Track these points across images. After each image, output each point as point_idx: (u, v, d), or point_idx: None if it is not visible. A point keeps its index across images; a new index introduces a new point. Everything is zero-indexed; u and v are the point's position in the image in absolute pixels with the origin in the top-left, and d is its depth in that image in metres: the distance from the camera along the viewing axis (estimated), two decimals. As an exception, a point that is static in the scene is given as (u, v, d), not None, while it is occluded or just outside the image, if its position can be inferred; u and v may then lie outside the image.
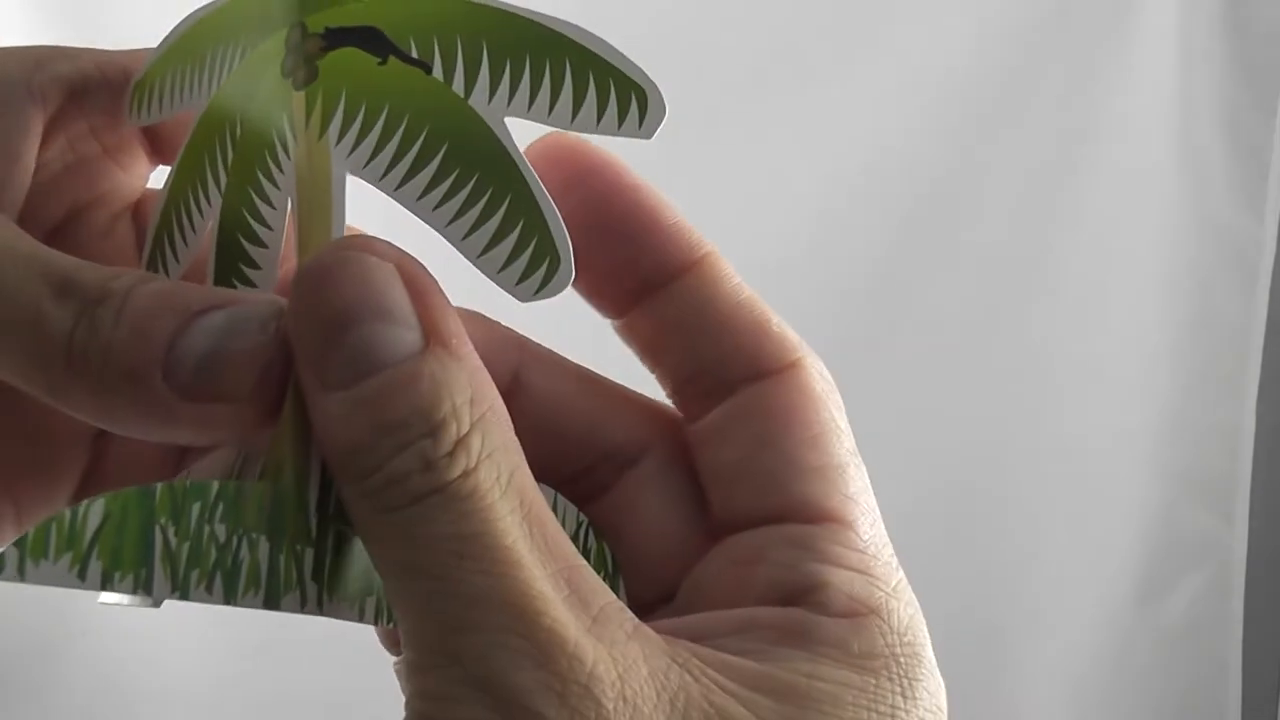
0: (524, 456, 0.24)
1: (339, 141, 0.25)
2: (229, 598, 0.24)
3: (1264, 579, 0.93)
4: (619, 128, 0.24)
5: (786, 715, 0.23)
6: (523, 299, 0.24)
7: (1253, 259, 0.90)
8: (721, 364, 0.26)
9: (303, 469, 0.25)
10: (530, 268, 0.24)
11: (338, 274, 0.23)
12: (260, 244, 0.26)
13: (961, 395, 0.89)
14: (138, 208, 0.30)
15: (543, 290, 0.24)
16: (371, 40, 0.25)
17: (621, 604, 0.23)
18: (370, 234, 0.24)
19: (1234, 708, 0.93)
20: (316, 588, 0.25)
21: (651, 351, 0.27)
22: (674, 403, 0.27)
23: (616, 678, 0.22)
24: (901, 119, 0.85)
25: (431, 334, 0.23)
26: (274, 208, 0.26)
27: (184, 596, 0.24)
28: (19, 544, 0.24)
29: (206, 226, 0.27)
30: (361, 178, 0.25)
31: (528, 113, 0.24)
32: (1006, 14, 0.85)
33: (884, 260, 0.87)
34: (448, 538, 0.22)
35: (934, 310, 0.88)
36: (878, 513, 0.26)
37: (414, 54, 0.25)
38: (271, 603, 0.24)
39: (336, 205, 0.25)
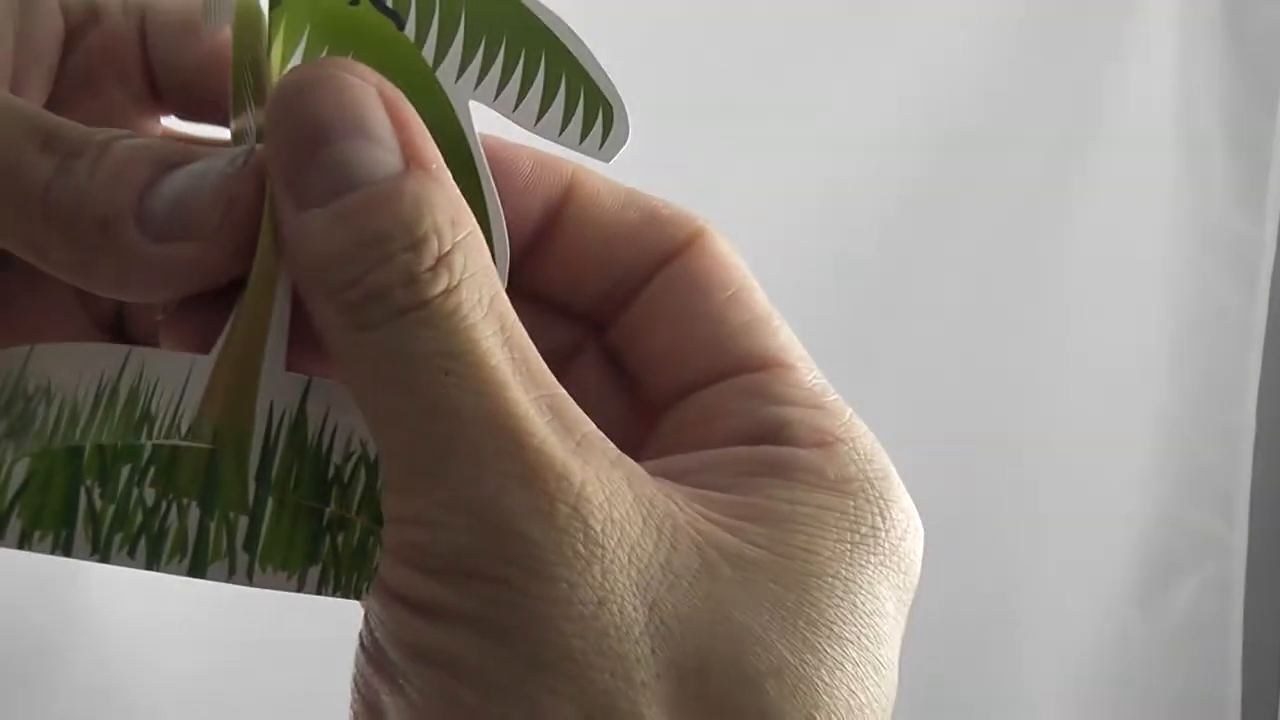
0: (501, 285, 0.23)
1: None
2: (151, 563, 0.24)
3: (1264, 579, 0.93)
4: (580, 143, 0.25)
5: (773, 538, 0.23)
6: None
7: (1253, 259, 0.90)
8: (627, 265, 0.27)
9: (245, 434, 0.24)
10: None
11: (317, 90, 0.23)
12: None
13: (961, 394, 0.89)
14: None
15: None
16: None
17: (602, 434, 0.23)
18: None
19: (1234, 708, 0.93)
20: (248, 557, 0.24)
21: (563, 291, 0.27)
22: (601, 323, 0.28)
23: (604, 499, 0.22)
24: (900, 118, 0.85)
25: (412, 156, 0.23)
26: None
27: (104, 559, 0.24)
28: None
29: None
30: None
31: (494, 101, 0.25)
32: (1005, 13, 0.85)
33: (882, 259, 0.87)
34: (434, 354, 0.22)
35: (933, 309, 0.88)
36: (809, 357, 0.26)
37: (389, 2, 0.24)
38: (197, 570, 0.24)
39: None
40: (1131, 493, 0.92)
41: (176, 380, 0.25)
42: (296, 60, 0.24)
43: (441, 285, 0.22)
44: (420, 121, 0.23)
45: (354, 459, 0.24)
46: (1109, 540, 0.92)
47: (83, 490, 0.24)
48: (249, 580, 0.24)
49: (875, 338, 0.87)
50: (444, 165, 0.23)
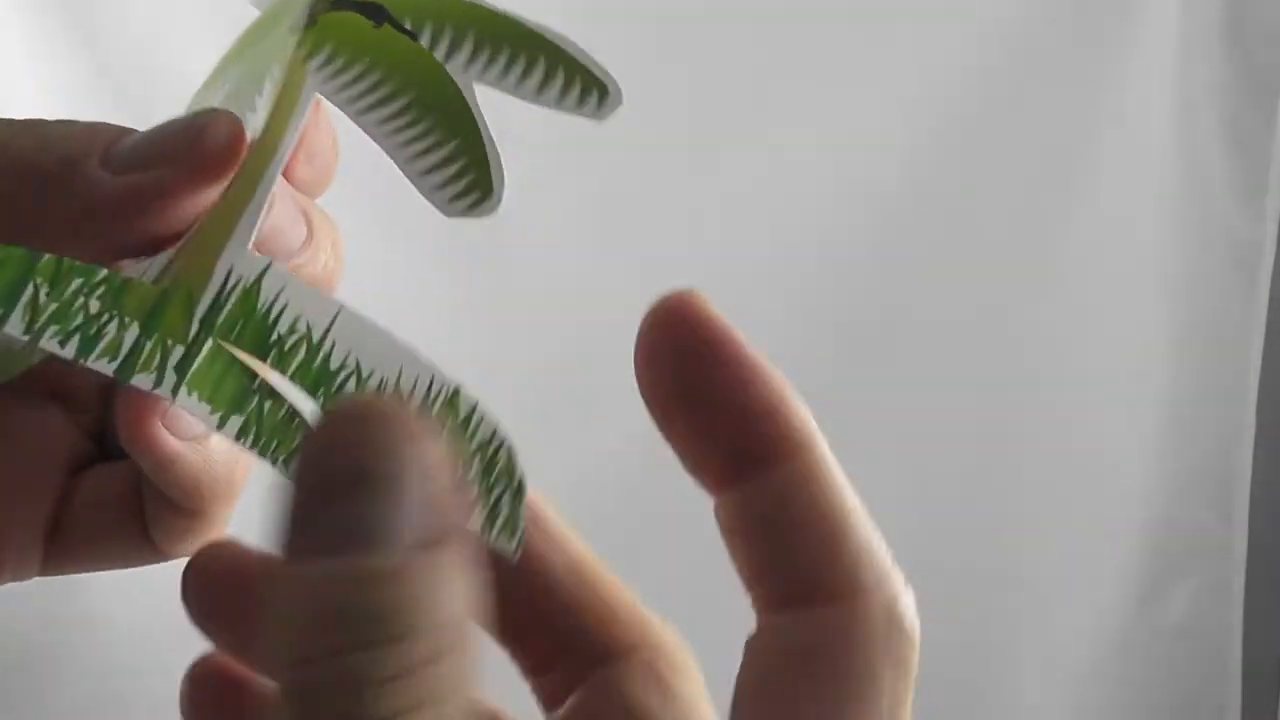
0: (481, 692, 0.20)
1: (320, 69, 0.27)
2: (80, 355, 0.25)
3: (1264, 579, 0.93)
4: (578, 108, 0.27)
5: None
6: (448, 214, 0.27)
7: (1253, 259, 0.90)
8: (794, 571, 0.24)
9: (199, 284, 0.26)
10: (464, 193, 0.27)
11: (359, 427, 0.20)
12: None
13: (961, 395, 0.89)
14: None
15: (470, 211, 0.27)
16: (373, 11, 0.27)
17: None
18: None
19: (1234, 708, 0.93)
20: (176, 377, 0.25)
21: (734, 541, 0.24)
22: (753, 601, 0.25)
23: None
24: (900, 119, 0.85)
25: (431, 533, 0.20)
26: (255, 113, 0.28)
27: (34, 342, 0.25)
28: None
29: None
30: (329, 99, 0.27)
31: (498, 85, 0.27)
32: (1006, 14, 0.85)
33: (883, 260, 0.87)
34: None
35: (933, 310, 0.88)
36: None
37: (407, 26, 0.27)
38: (124, 372, 0.25)
39: (297, 116, 0.27)
40: (1131, 493, 0.92)
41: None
42: (319, 59, 0.27)
43: (410, 702, 0.19)
44: (451, 491, 0.20)
45: (298, 336, 0.26)
46: (1109, 540, 0.92)
47: (31, 284, 0.25)
48: (172, 395, 0.25)
49: (876, 338, 0.87)
50: (461, 549, 0.20)
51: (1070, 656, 0.92)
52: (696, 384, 0.24)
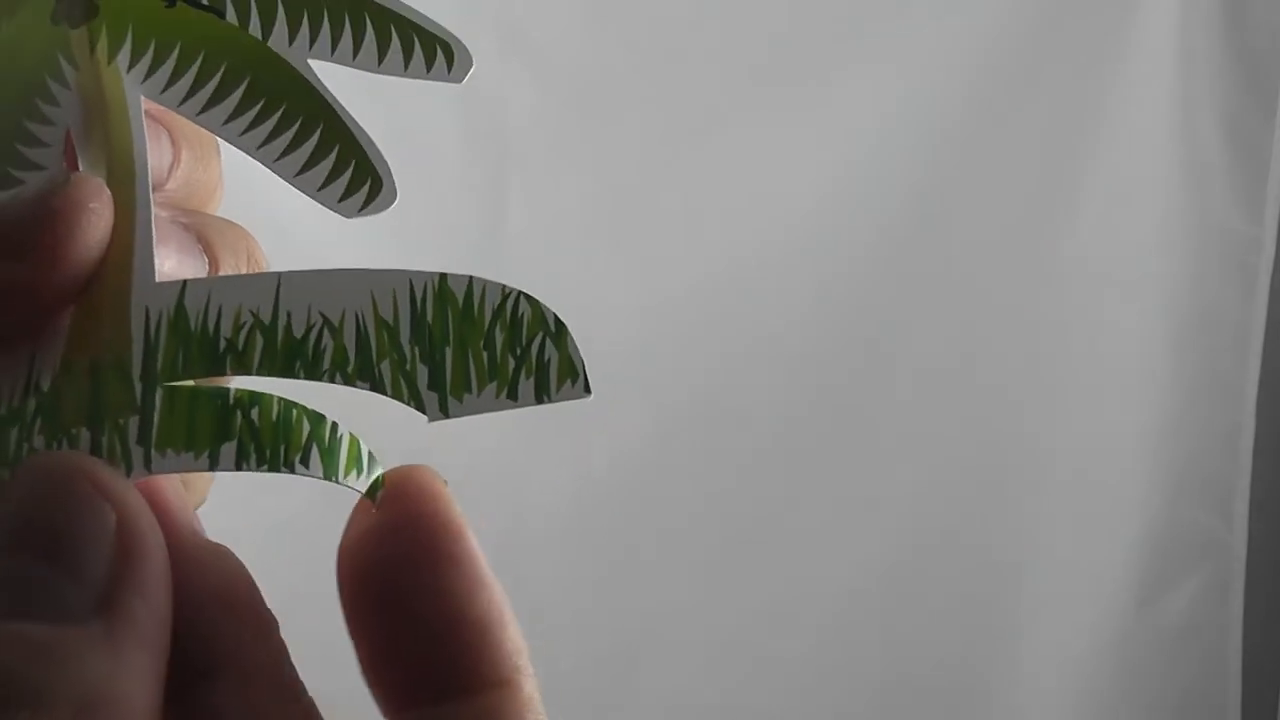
0: None
1: (130, 69, 0.24)
2: None
3: (1264, 579, 0.93)
4: (428, 72, 0.24)
5: None
6: (348, 215, 0.24)
7: (1252, 260, 0.90)
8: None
9: (121, 341, 0.23)
10: (351, 187, 0.24)
11: (43, 488, 0.20)
12: (40, 148, 0.24)
13: (962, 395, 0.89)
14: None
15: (368, 207, 0.24)
16: None
17: None
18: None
19: (1234, 708, 0.93)
20: (143, 450, 0.23)
21: None
22: None
23: None
24: (900, 119, 0.85)
25: (110, 605, 0.19)
26: (53, 125, 0.24)
27: None
28: None
29: None
30: (160, 103, 0.24)
31: (331, 56, 0.24)
32: (1005, 14, 0.85)
33: (884, 257, 0.87)
34: None
35: (934, 310, 0.88)
36: None
37: (205, 1, 0.24)
38: None
39: (134, 121, 0.24)
40: (1131, 493, 0.92)
41: (19, 371, 0.24)
42: (124, 54, 0.24)
43: None
44: (153, 559, 0.20)
45: (246, 328, 0.23)
46: (1109, 540, 0.92)
47: None
48: (147, 469, 0.23)
49: (873, 339, 0.87)
50: (151, 618, 0.20)
51: (1070, 656, 0.92)
52: (407, 597, 0.22)
